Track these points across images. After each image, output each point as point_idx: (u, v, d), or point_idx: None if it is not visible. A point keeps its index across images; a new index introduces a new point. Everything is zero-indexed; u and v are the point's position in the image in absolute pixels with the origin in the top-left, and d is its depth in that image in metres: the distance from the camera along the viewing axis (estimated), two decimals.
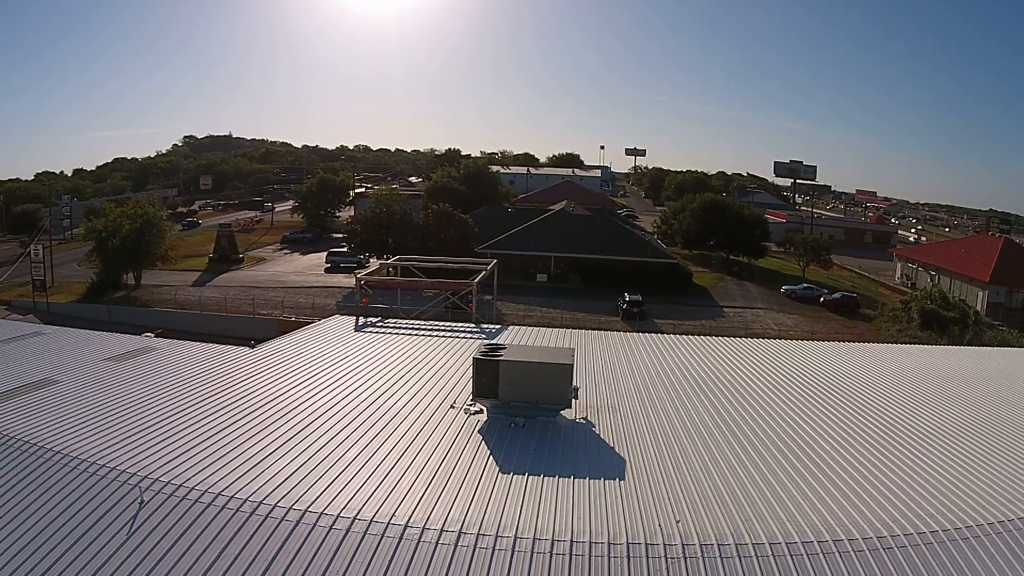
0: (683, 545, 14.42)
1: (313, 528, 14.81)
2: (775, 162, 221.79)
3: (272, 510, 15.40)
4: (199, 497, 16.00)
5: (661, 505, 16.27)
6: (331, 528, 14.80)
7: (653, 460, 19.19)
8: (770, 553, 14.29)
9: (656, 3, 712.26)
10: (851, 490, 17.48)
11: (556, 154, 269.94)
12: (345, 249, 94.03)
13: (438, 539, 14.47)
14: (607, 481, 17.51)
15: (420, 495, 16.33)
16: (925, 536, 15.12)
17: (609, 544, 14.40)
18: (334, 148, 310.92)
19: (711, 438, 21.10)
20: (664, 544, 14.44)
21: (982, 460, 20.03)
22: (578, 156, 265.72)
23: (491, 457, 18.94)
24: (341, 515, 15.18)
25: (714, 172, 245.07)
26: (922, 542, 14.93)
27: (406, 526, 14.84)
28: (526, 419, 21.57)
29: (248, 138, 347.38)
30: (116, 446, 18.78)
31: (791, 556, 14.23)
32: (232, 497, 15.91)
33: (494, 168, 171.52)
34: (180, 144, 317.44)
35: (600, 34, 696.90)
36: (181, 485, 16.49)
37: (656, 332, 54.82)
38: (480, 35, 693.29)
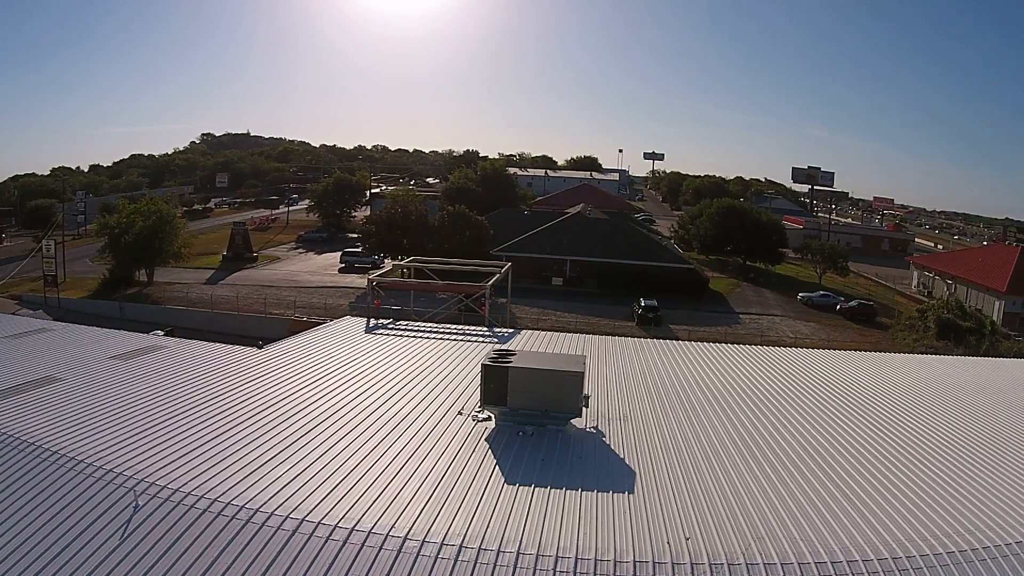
0: (692, 564, 13.90)
1: (309, 538, 14.38)
2: (793, 168, 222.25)
3: (268, 518, 14.98)
4: (195, 503, 15.61)
5: (671, 521, 15.76)
6: (328, 539, 14.36)
7: (664, 473, 18.67)
8: (782, 574, 13.79)
9: (679, 7, 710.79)
10: (867, 507, 16.93)
11: (574, 157, 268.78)
12: (360, 249, 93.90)
13: (438, 553, 14.00)
14: (616, 495, 17.01)
15: (422, 506, 15.88)
16: (942, 557, 14.61)
17: (615, 562, 13.90)
18: (352, 148, 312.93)
19: (724, 451, 20.56)
20: (672, 563, 13.92)
21: (1000, 476, 19.48)
22: (596, 159, 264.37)
23: (497, 467, 18.47)
24: (339, 525, 14.74)
25: (732, 177, 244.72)
26: (938, 563, 14.43)
27: (405, 538, 14.38)
28: (535, 428, 21.09)
29: (266, 136, 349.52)
30: (113, 447, 18.44)
31: None
32: (228, 504, 15.50)
33: (512, 170, 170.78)
34: (198, 141, 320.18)
35: (622, 37, 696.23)
36: (177, 490, 16.09)
37: (671, 338, 54.44)
38: (501, 36, 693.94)
